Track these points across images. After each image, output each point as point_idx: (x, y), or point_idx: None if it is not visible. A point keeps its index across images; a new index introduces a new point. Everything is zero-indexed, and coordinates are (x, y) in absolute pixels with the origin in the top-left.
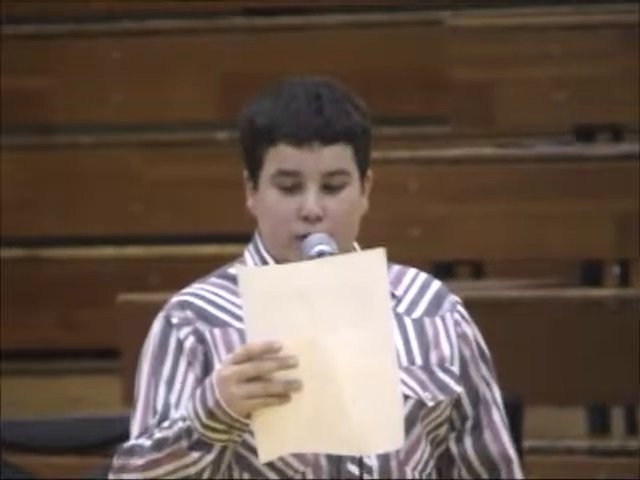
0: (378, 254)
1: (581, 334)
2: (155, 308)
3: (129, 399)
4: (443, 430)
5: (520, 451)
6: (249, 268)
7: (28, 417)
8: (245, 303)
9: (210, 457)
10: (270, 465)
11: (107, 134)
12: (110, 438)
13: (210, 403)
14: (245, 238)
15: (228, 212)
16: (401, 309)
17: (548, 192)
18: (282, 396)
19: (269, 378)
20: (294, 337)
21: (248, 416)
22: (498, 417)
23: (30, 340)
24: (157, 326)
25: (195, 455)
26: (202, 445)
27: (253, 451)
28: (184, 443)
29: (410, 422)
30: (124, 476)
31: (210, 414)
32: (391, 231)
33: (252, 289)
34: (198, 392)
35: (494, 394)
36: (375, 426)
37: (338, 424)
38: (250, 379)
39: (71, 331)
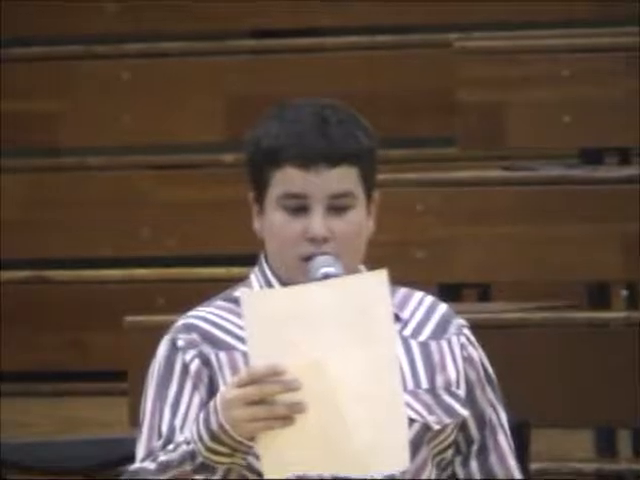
0: (380, 275)
1: (588, 356)
2: (161, 330)
3: (136, 421)
4: (449, 454)
5: (527, 474)
6: (251, 291)
7: (34, 439)
8: (248, 326)
9: None
10: None
11: (115, 156)
12: (117, 459)
13: (214, 426)
14: (252, 260)
15: (235, 234)
16: (407, 332)
17: (555, 215)
18: (286, 418)
19: (273, 401)
20: (297, 360)
21: (252, 439)
22: (504, 440)
23: (36, 362)
24: (163, 349)
25: (198, 478)
26: (206, 468)
27: (258, 474)
28: (188, 466)
29: (416, 445)
30: None
31: (214, 437)
32: (397, 253)
33: (255, 312)
34: (202, 415)
35: (500, 417)
36: (380, 447)
37: (343, 445)
38: (254, 402)
39: (78, 353)
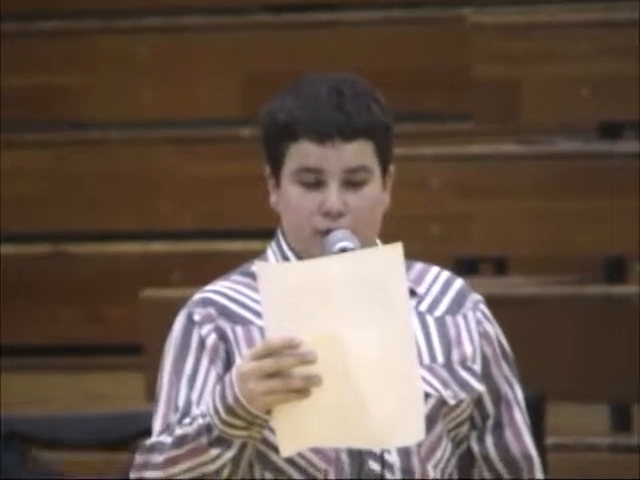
0: (395, 249)
1: (604, 331)
2: (178, 304)
3: (152, 395)
4: (464, 429)
5: (542, 448)
6: (268, 264)
7: (53, 413)
8: (264, 299)
9: (230, 454)
10: (292, 463)
11: (135, 130)
12: (133, 434)
13: (229, 399)
14: (269, 234)
15: (252, 208)
16: (423, 307)
17: (572, 189)
18: (302, 391)
19: (289, 374)
20: (313, 333)
21: (268, 412)
22: (520, 416)
23: (55, 336)
24: (179, 323)
25: (214, 452)
26: (222, 442)
27: (274, 449)
28: (204, 440)
29: (431, 420)
30: (145, 474)
31: (229, 410)
32: (413, 228)
33: (271, 285)
34: (218, 388)
35: (516, 393)
36: (395, 420)
37: (358, 418)
38: (270, 375)
39: (96, 327)
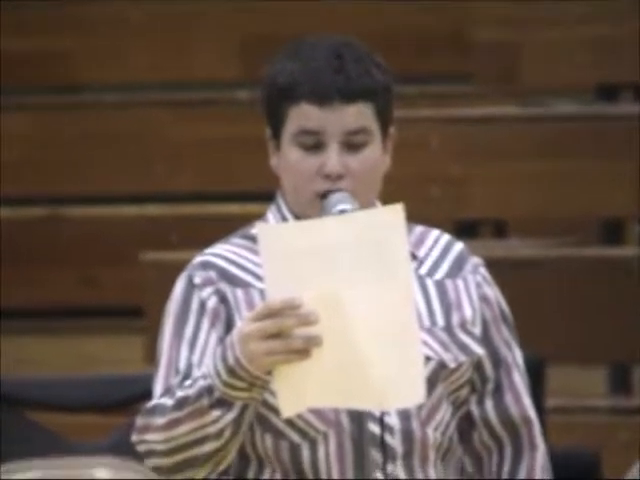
0: (396, 210)
1: (603, 293)
2: (178, 267)
3: (151, 358)
4: (464, 392)
5: (542, 411)
6: (268, 225)
7: (50, 376)
8: (264, 260)
9: (231, 416)
10: (292, 425)
11: (129, 93)
12: (133, 397)
13: (230, 360)
14: (268, 197)
15: (251, 171)
16: (423, 271)
17: (570, 151)
18: (303, 352)
19: (289, 334)
20: (314, 293)
21: (269, 373)
22: (519, 379)
23: (52, 298)
24: (179, 286)
25: (216, 413)
26: (223, 403)
27: (275, 411)
28: (205, 401)
29: (431, 383)
30: (147, 436)
31: (231, 371)
32: (413, 190)
33: (271, 246)
34: (219, 350)
35: (515, 356)
36: (396, 381)
37: (359, 379)
38: (270, 336)
39: (93, 290)
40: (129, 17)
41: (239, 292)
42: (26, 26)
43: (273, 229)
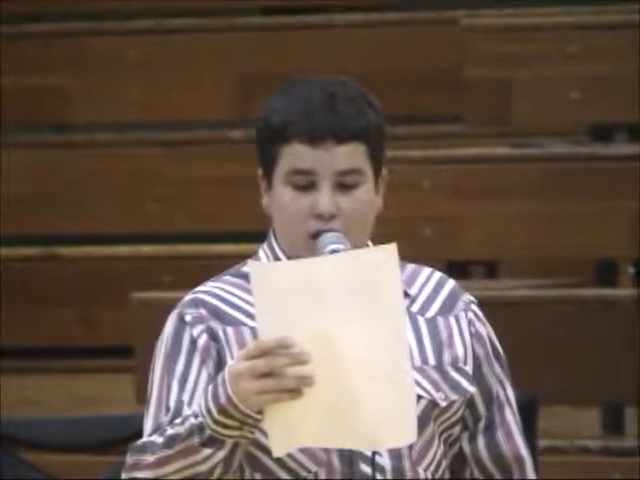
0: (389, 249)
1: (596, 334)
2: (169, 306)
3: (143, 397)
4: (456, 430)
5: (534, 450)
6: (261, 263)
7: (42, 415)
8: (257, 298)
9: (221, 454)
10: (282, 465)
11: (124, 132)
12: (125, 437)
13: (222, 399)
14: (260, 237)
15: (243, 211)
16: (415, 308)
17: (563, 192)
18: (294, 391)
19: (281, 373)
20: (306, 332)
21: (260, 412)
22: (511, 417)
23: (44, 338)
24: (170, 323)
25: (207, 452)
26: (214, 441)
27: (265, 451)
28: (196, 439)
29: (423, 422)
30: (136, 474)
31: (222, 410)
32: (405, 230)
33: (264, 284)
34: (210, 388)
35: (508, 394)
36: (388, 421)
37: (351, 419)
38: (262, 375)
39: (86, 329)
40: (124, 56)
41: (230, 330)
42: (19, 64)
43: (266, 267)
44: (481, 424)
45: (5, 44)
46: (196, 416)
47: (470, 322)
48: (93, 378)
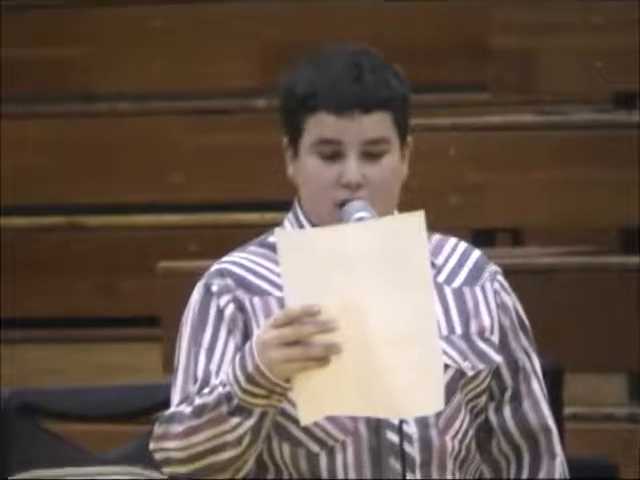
0: (417, 217)
1: (621, 301)
2: (195, 276)
3: (169, 367)
4: (482, 400)
5: (560, 418)
6: (287, 231)
7: (67, 385)
8: (284, 266)
9: (249, 423)
10: (309, 434)
11: (147, 102)
12: (151, 406)
13: (250, 367)
14: (285, 206)
15: (268, 180)
16: (441, 278)
17: (588, 159)
18: (322, 360)
19: (309, 342)
20: (334, 300)
21: (288, 380)
22: (537, 387)
23: (70, 308)
24: (197, 294)
25: (234, 421)
26: (242, 410)
27: (292, 420)
28: (224, 408)
29: (450, 391)
30: (165, 444)
31: (250, 379)
32: (430, 198)
33: (290, 252)
34: (238, 357)
35: (533, 364)
36: (415, 389)
37: (378, 387)
38: (290, 343)
39: (111, 299)
40: (146, 25)
41: (256, 300)
42: (42, 34)
43: (292, 235)
44: (507, 394)
45: (27, 14)
46: (224, 385)
47: (496, 292)
48: (119, 348)
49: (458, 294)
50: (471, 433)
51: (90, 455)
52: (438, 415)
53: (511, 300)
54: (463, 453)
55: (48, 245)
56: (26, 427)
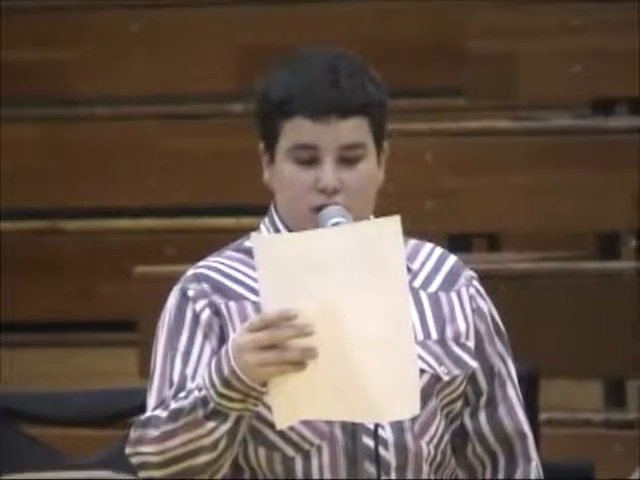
0: (393, 221)
1: (597, 307)
2: (172, 280)
3: (146, 371)
4: (458, 405)
5: (536, 424)
6: (263, 235)
7: (45, 389)
8: (260, 270)
9: (225, 427)
10: (285, 438)
11: (124, 106)
12: (127, 410)
13: (226, 371)
14: (261, 210)
15: (244, 184)
16: (417, 283)
17: (565, 165)
18: (298, 364)
19: (285, 346)
20: (310, 304)
21: (264, 384)
22: (513, 392)
23: (47, 311)
24: (173, 299)
25: (210, 425)
26: (218, 414)
27: (268, 424)
28: (200, 412)
29: (425, 396)
30: (140, 448)
31: (226, 382)
32: (407, 203)
33: (267, 256)
34: (214, 361)
35: (509, 369)
36: (391, 394)
37: (354, 391)
38: (266, 347)
39: (88, 303)
40: (124, 29)
41: (233, 305)
42: (21, 37)
43: (268, 240)
44: (483, 400)
45: (6, 18)
46: (200, 389)
47: (471, 298)
48: (95, 352)
49: (434, 299)
50: (446, 438)
51: (68, 459)
52: (413, 420)
53: (487, 305)
54: (439, 458)
55: (26, 249)
56: (4, 431)
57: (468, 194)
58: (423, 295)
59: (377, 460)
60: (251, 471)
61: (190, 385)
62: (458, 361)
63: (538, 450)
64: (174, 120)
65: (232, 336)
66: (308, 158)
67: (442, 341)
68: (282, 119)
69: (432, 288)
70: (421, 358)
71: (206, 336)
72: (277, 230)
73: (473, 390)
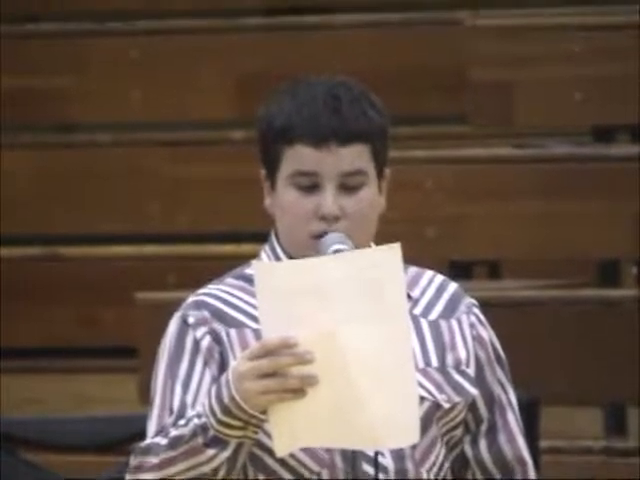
0: (394, 249)
1: (598, 334)
2: (172, 307)
3: (146, 398)
4: (458, 433)
5: (536, 451)
6: (264, 263)
7: (46, 415)
8: (260, 298)
9: (225, 454)
10: (285, 465)
11: (126, 133)
12: (128, 437)
13: (226, 399)
14: (262, 237)
15: (245, 211)
16: (417, 311)
17: (566, 192)
18: (298, 391)
19: (285, 373)
20: (310, 332)
21: (264, 412)
22: (513, 420)
23: (48, 338)
24: (173, 326)
25: (210, 452)
26: (218, 442)
27: (268, 451)
28: (200, 440)
29: (426, 424)
30: (140, 475)
31: (226, 410)
32: (407, 230)
33: (268, 284)
34: (214, 388)
35: (509, 397)
36: (391, 421)
37: (354, 419)
38: (266, 375)
39: (89, 329)
40: (125, 56)
41: (233, 332)
42: (21, 64)
43: (269, 267)
44: (483, 427)
45: (5, 44)
46: (200, 417)
47: (472, 325)
48: (96, 378)
49: (434, 326)
50: (447, 466)
51: None
52: (414, 447)
53: (487, 333)
54: None
55: (27, 275)
56: (5, 457)
57: (469, 221)
58: (424, 323)
59: None
60: None
61: (190, 412)
62: (458, 388)
63: (539, 477)
64: (174, 147)
65: (232, 363)
66: (309, 185)
67: (442, 369)
68: (283, 146)
69: (433, 316)
70: (421, 385)
71: (206, 363)
72: (277, 257)
73: (473, 417)
